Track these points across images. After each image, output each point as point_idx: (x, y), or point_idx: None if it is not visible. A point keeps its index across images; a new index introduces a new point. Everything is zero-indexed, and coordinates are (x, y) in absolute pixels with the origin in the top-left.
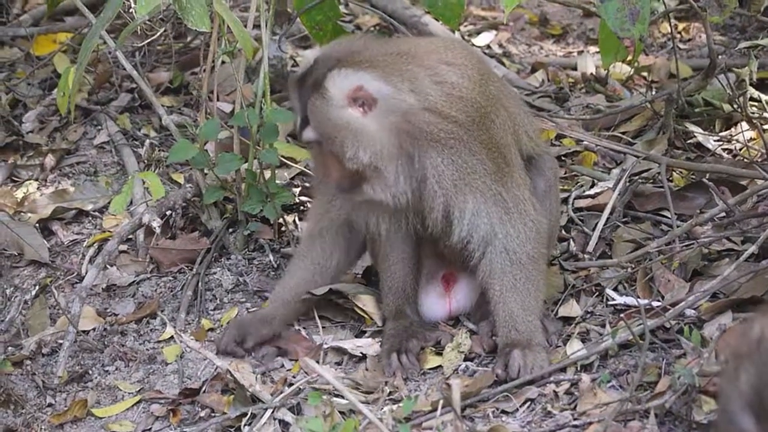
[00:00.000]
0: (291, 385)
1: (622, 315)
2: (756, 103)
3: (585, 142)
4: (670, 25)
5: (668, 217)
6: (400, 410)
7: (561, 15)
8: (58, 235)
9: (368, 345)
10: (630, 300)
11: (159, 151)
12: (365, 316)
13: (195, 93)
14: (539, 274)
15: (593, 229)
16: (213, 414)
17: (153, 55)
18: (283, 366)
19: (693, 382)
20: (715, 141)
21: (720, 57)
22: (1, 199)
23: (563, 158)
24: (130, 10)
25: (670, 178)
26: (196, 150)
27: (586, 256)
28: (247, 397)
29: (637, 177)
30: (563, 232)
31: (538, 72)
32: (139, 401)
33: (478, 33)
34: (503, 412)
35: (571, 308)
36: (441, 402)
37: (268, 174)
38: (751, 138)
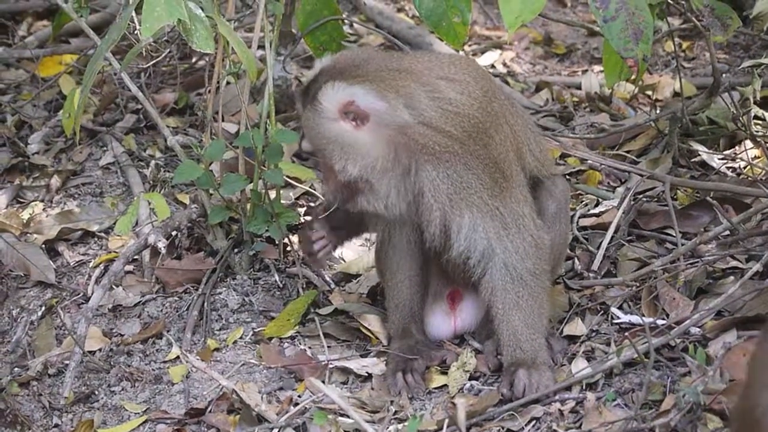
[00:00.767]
0: (297, 404)
1: (627, 333)
2: (760, 122)
3: (589, 161)
4: (674, 43)
5: (673, 236)
6: (406, 429)
7: (565, 34)
8: (64, 256)
9: (373, 364)
10: (635, 318)
11: (164, 171)
12: (370, 335)
13: (200, 114)
14: (542, 291)
15: (598, 248)
16: None
17: (158, 77)
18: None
19: (698, 400)
20: (719, 159)
21: (724, 76)
22: (7, 220)
23: (568, 177)
24: (135, 32)
25: (675, 197)
26: (201, 171)
27: (590, 274)
28: (252, 416)
29: (641, 195)
30: (568, 250)
31: (543, 91)
32: (145, 421)
33: (483, 52)
34: (508, 431)
35: (576, 327)
36: (446, 421)
37: (273, 194)
38: (755, 156)
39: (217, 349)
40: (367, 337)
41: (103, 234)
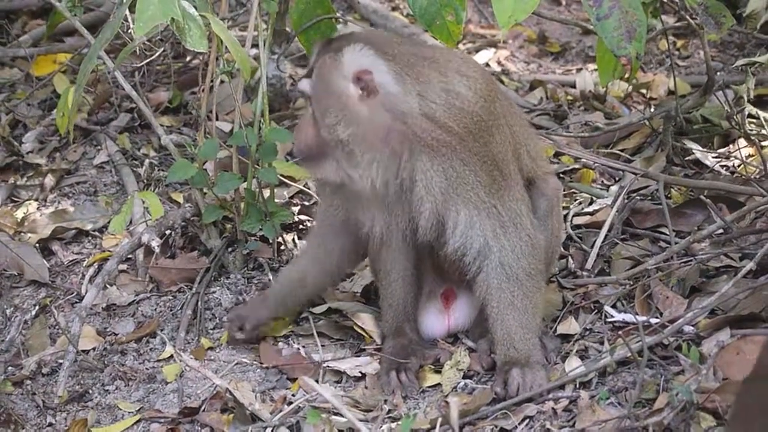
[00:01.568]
0: (290, 403)
1: (620, 332)
2: (754, 120)
3: (583, 160)
4: (668, 42)
5: (666, 234)
6: (399, 428)
7: (560, 33)
8: (58, 255)
9: (367, 363)
10: (628, 317)
11: (158, 170)
12: (364, 334)
13: (194, 113)
14: (537, 291)
15: (592, 246)
16: None
17: (152, 75)
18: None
19: (691, 398)
20: (713, 158)
21: (718, 74)
22: (1, 219)
23: (562, 176)
24: (129, 31)
25: (669, 195)
26: (195, 169)
27: (584, 273)
28: (246, 415)
29: (635, 194)
30: (562, 249)
31: (537, 89)
32: (139, 420)
33: (477, 51)
34: (502, 429)
35: (570, 325)
36: (440, 420)
37: (267, 193)
38: (749, 155)
39: (210, 348)
40: (361, 336)
41: (97, 233)
